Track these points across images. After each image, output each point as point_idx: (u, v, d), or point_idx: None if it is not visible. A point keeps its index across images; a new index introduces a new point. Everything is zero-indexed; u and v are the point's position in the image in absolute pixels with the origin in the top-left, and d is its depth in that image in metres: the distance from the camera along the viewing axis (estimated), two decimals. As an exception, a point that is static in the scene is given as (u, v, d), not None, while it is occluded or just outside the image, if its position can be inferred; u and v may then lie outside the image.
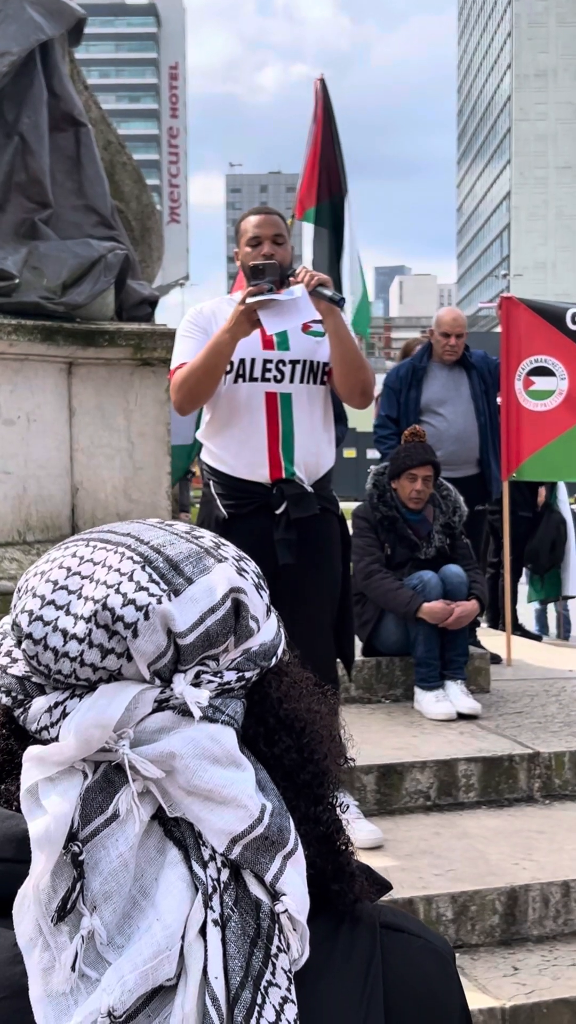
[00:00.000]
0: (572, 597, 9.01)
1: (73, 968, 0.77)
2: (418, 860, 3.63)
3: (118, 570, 0.83)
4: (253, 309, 3.36)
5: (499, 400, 6.11)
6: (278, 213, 3.77)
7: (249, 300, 3.35)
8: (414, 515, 5.19)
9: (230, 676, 0.85)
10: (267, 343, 3.58)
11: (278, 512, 3.54)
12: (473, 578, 5.14)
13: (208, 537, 0.90)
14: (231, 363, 3.56)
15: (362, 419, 14.24)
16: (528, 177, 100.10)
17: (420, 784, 4.17)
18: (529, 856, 3.71)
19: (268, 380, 3.58)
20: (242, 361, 3.55)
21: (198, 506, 4.01)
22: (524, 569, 8.58)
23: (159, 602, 0.81)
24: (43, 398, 4.90)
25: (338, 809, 0.92)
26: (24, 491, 4.83)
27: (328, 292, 3.45)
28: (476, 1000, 3.04)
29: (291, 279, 3.47)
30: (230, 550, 0.90)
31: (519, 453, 6.02)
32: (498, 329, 6.20)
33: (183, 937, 0.78)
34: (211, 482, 3.69)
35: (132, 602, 0.81)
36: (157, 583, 0.82)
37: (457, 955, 3.32)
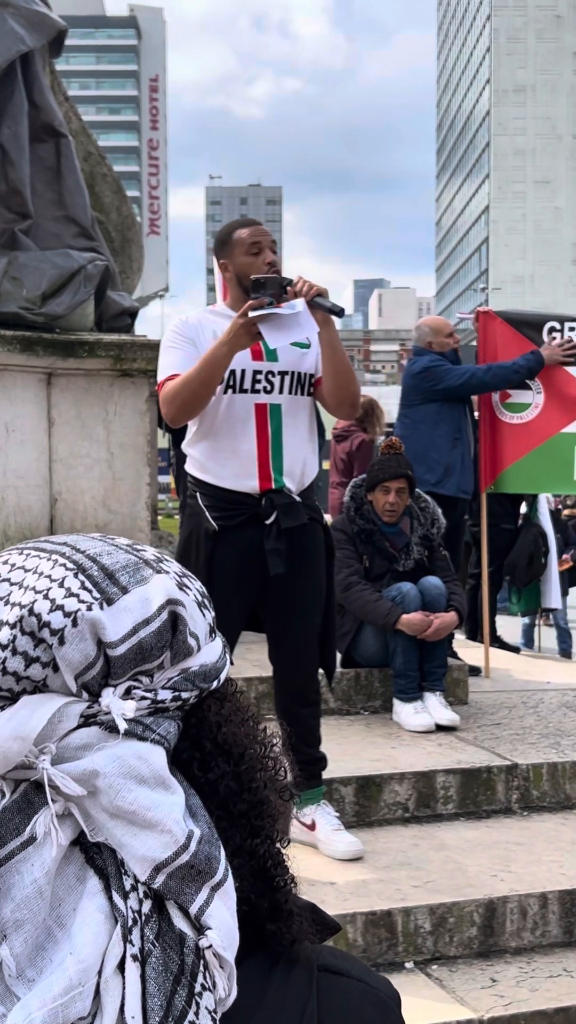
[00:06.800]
0: (553, 609, 9.05)
1: None
2: (396, 872, 3.63)
3: (49, 576, 0.79)
4: (254, 323, 3.31)
5: (476, 413, 6.14)
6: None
7: (252, 314, 3.30)
8: (390, 527, 5.20)
9: (165, 695, 0.80)
10: (256, 354, 3.55)
11: (268, 522, 3.52)
12: (452, 590, 5.15)
13: (151, 551, 0.86)
14: None
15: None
16: (507, 191, 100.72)
17: (398, 796, 4.17)
18: (507, 868, 3.71)
19: (258, 391, 3.55)
20: (232, 372, 3.51)
21: (176, 517, 3.98)
22: (504, 582, 8.60)
23: (89, 609, 0.77)
24: (22, 408, 4.89)
25: (278, 843, 0.86)
26: (3, 501, 4.82)
27: (327, 303, 3.41)
28: (454, 1012, 3.04)
29: (288, 288, 3.42)
30: (173, 566, 0.85)
31: (497, 465, 6.04)
32: (476, 342, 6.23)
33: (100, 973, 0.73)
34: (198, 494, 3.63)
35: (60, 608, 0.77)
36: (89, 591, 0.78)
37: (435, 967, 3.32)
